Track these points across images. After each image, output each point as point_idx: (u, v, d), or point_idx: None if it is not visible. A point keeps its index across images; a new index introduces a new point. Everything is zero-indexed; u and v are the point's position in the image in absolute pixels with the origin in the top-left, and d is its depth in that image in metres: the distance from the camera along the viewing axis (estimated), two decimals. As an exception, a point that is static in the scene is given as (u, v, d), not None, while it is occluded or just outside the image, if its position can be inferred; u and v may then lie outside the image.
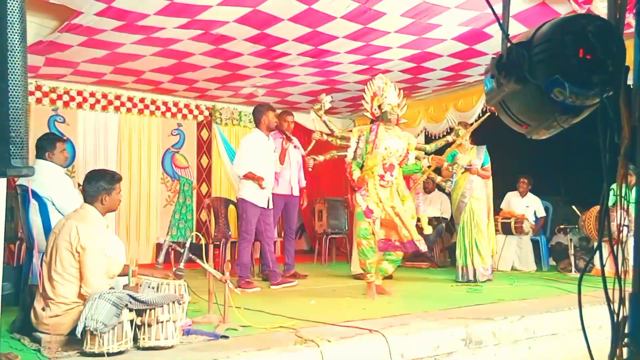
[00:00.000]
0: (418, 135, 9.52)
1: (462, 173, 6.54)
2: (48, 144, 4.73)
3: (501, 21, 1.77)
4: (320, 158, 5.64)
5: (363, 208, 5.29)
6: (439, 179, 5.98)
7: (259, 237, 6.29)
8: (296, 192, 6.96)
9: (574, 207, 7.70)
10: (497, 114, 1.86)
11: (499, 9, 1.88)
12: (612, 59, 1.57)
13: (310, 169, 5.81)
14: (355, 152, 5.45)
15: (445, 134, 8.64)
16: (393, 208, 5.31)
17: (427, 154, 5.70)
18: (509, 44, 1.68)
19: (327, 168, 9.72)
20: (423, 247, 5.30)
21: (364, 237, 5.29)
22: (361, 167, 5.42)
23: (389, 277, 6.93)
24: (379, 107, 5.52)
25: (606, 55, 1.56)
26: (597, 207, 7.14)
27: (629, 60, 1.69)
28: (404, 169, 5.59)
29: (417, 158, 5.65)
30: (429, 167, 5.72)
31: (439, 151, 6.16)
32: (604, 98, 1.60)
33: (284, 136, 6.58)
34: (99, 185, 3.57)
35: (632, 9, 1.88)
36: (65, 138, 5.52)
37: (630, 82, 1.68)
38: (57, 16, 5.50)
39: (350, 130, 5.83)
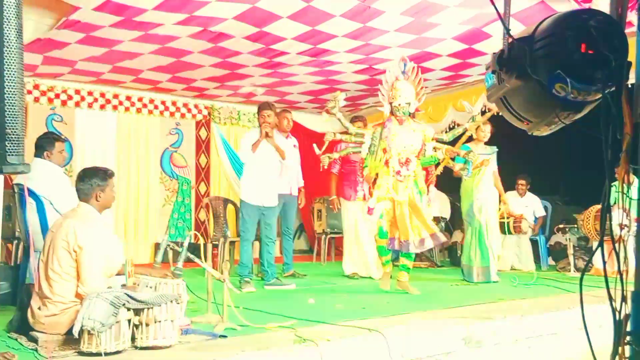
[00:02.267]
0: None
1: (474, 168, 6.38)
2: (47, 143, 4.71)
3: (502, 16, 1.76)
4: (335, 155, 5.73)
5: (370, 205, 5.44)
6: (457, 167, 5.84)
7: (260, 236, 6.27)
8: (295, 192, 6.94)
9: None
10: (499, 111, 1.84)
11: (499, 6, 1.87)
12: (614, 54, 1.55)
13: (325, 167, 5.77)
14: (369, 148, 5.52)
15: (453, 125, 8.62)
16: (410, 201, 5.38)
17: (445, 143, 5.67)
18: (510, 39, 1.67)
19: (327, 168, 9.69)
20: (441, 238, 5.50)
21: (383, 237, 5.48)
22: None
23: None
24: (390, 102, 5.54)
25: (608, 50, 1.55)
26: (596, 207, 7.14)
27: (631, 56, 1.67)
28: (422, 161, 5.59)
29: (435, 149, 5.61)
30: (443, 159, 5.72)
31: (453, 142, 6.09)
32: (606, 94, 1.58)
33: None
34: (92, 182, 3.55)
35: (634, 6, 1.87)
36: (64, 138, 5.49)
37: (632, 78, 1.67)
38: (54, 13, 5.47)
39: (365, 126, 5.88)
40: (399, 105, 5.46)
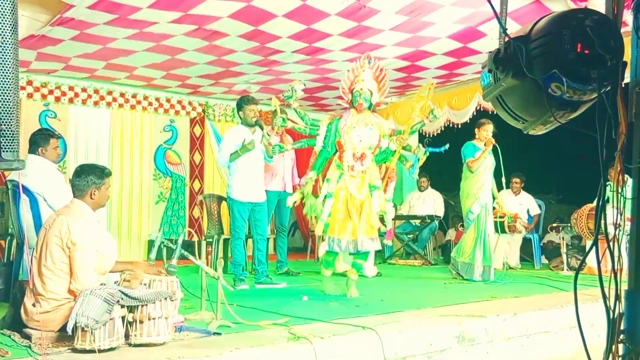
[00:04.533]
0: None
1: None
2: (42, 139, 4.68)
3: (499, 15, 1.76)
4: (288, 147, 5.59)
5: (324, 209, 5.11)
6: (407, 165, 5.39)
7: (251, 233, 6.26)
8: (289, 189, 6.93)
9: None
10: (494, 109, 1.84)
11: (496, 5, 1.87)
12: (610, 54, 1.56)
13: (271, 158, 5.88)
14: (324, 140, 5.20)
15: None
16: (361, 202, 5.09)
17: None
18: (506, 38, 1.67)
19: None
20: (372, 246, 5.10)
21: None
22: (330, 157, 5.21)
23: (378, 274, 6.94)
24: (351, 91, 5.19)
25: (604, 49, 1.55)
26: (589, 206, 7.17)
27: (626, 56, 1.68)
28: (376, 158, 5.24)
29: (390, 139, 5.24)
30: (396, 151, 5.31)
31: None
32: (602, 93, 1.59)
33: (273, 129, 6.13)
34: (88, 179, 3.53)
35: (629, 5, 1.88)
36: (58, 134, 5.45)
37: (627, 78, 1.67)
38: (49, 9, 5.45)
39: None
40: (361, 89, 5.11)
